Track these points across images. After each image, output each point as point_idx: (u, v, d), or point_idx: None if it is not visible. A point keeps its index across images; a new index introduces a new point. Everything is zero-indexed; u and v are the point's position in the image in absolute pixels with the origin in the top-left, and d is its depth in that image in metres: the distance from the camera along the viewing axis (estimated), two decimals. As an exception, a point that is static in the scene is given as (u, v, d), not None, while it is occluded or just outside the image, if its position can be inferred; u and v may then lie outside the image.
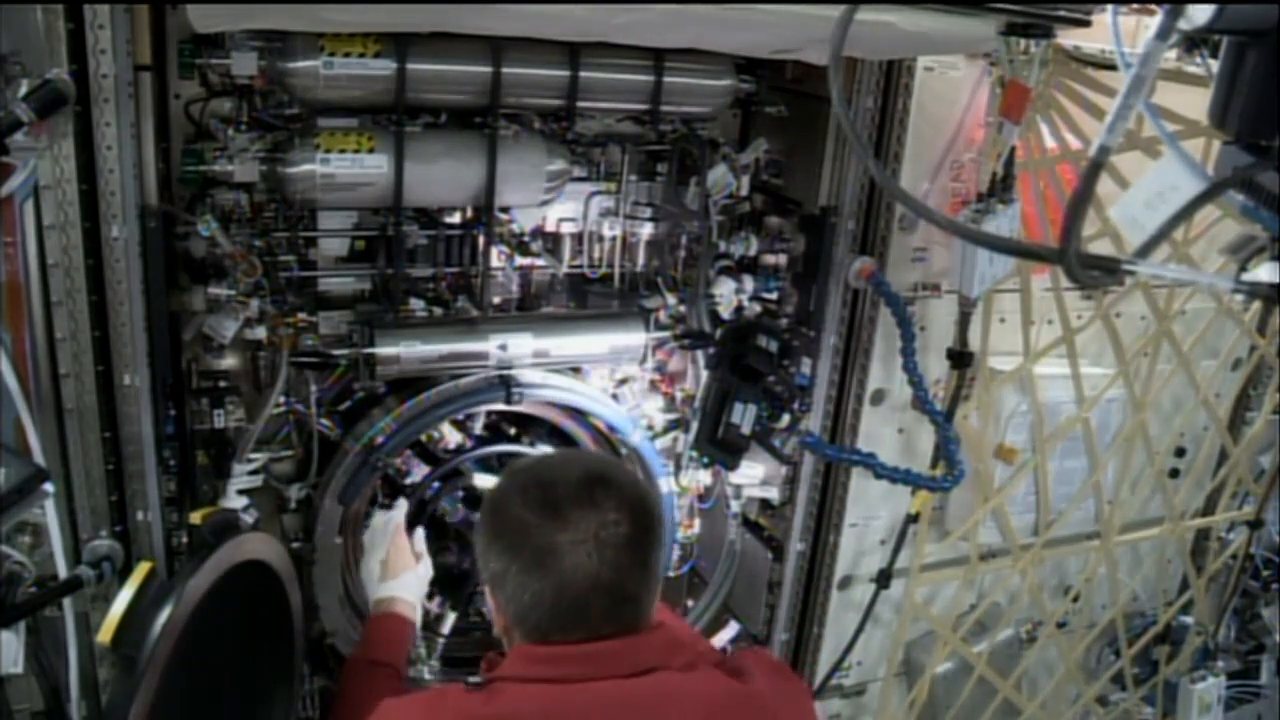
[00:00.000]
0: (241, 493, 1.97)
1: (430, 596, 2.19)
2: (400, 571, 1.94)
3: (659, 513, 1.40)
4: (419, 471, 2.19)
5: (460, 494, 2.24)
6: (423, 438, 2.15)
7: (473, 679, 1.31)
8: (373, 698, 1.43)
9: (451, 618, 2.30)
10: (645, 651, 1.30)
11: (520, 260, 2.21)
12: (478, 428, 2.25)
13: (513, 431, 2.34)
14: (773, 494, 2.45)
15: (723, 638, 2.53)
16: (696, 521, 2.56)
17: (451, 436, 2.19)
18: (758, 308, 2.38)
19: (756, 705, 1.33)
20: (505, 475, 1.45)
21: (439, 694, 1.36)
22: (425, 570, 2.00)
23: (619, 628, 1.29)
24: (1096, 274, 0.95)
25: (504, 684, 1.28)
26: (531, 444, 2.31)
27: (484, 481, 2.21)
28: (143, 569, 1.61)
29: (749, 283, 2.33)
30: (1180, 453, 2.88)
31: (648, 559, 1.33)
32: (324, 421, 2.07)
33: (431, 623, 2.30)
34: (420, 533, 2.07)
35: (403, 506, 2.06)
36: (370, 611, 1.95)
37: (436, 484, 2.23)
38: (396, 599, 1.90)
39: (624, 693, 1.26)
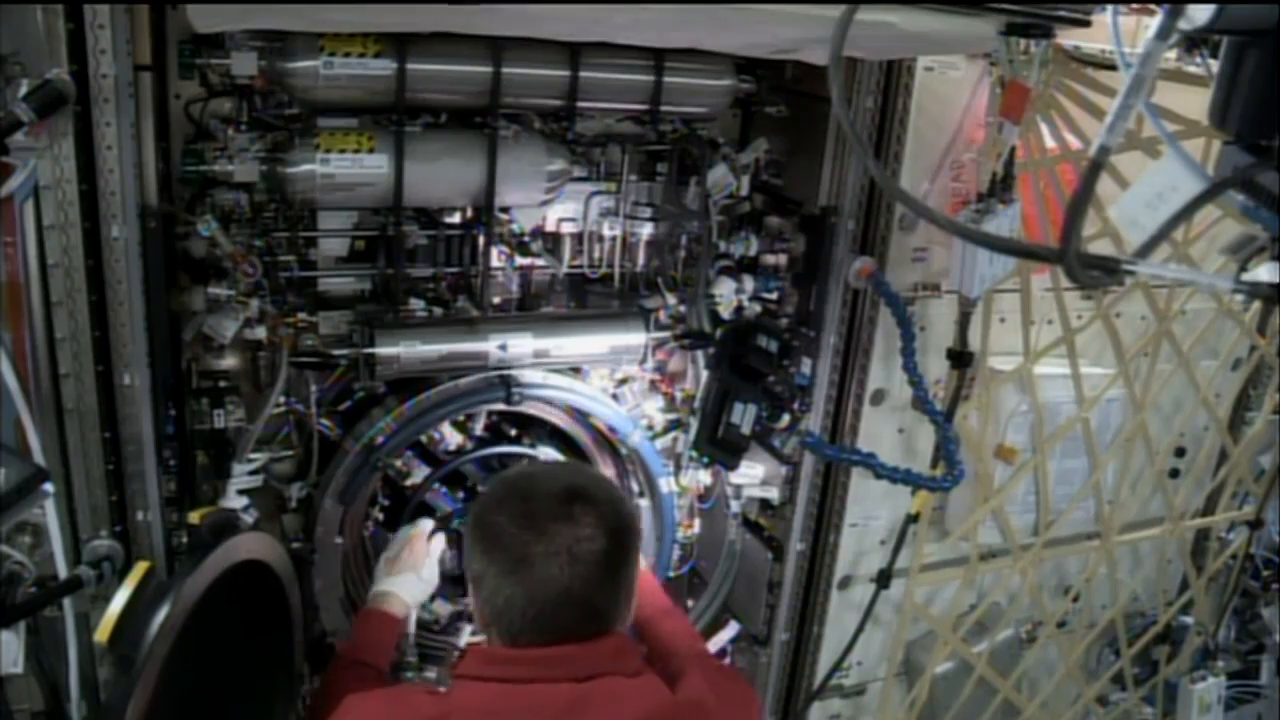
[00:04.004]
0: (241, 493, 1.97)
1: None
2: (404, 570, 1.96)
3: (635, 529, 1.47)
4: (420, 472, 2.19)
5: None
6: (423, 438, 2.15)
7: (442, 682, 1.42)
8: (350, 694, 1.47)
9: (468, 629, 2.31)
10: (596, 658, 1.37)
11: (520, 260, 2.21)
12: (478, 428, 2.25)
13: (513, 432, 2.34)
14: (773, 494, 2.44)
15: (723, 638, 2.53)
16: (696, 521, 2.56)
17: (452, 437, 2.19)
18: (758, 308, 2.38)
19: (692, 713, 1.43)
20: (492, 482, 1.54)
21: (401, 693, 1.45)
22: (430, 576, 2.00)
23: (582, 636, 1.36)
24: (1096, 274, 0.95)
25: (460, 681, 1.37)
26: (532, 445, 2.31)
27: None
28: (140, 568, 1.62)
29: (749, 283, 2.33)
30: (1180, 453, 2.88)
31: (618, 575, 1.40)
32: (324, 421, 2.08)
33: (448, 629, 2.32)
34: (439, 541, 2.08)
35: (429, 524, 2.10)
36: (366, 602, 1.96)
37: (460, 507, 2.24)
38: (391, 594, 1.92)
39: (566, 695, 1.33)
